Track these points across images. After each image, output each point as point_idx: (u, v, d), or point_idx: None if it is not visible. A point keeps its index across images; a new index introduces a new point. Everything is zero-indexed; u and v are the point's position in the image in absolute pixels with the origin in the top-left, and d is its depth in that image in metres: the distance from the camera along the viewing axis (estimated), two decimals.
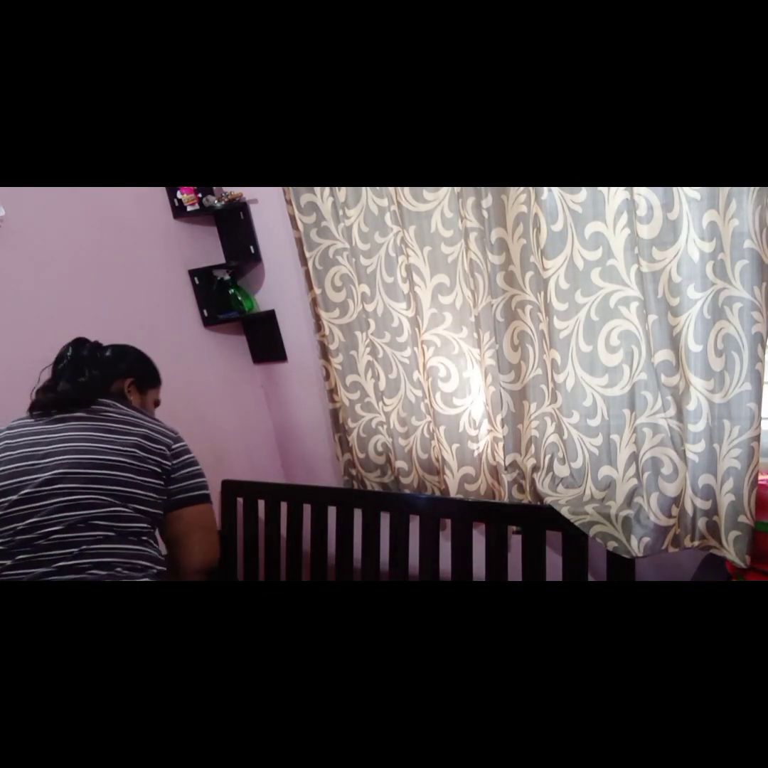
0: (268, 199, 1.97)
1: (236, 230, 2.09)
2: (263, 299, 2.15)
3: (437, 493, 1.86)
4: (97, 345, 1.38)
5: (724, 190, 1.18)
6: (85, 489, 1.11)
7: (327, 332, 1.93)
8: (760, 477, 1.30)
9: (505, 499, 1.69)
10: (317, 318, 1.94)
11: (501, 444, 1.66)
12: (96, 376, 1.29)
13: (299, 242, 1.87)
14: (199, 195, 2.00)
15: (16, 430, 1.22)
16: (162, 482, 1.21)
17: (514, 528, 1.66)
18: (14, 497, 1.10)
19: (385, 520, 1.83)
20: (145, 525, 1.17)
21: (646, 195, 1.25)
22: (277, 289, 2.10)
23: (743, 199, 1.15)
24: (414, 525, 1.77)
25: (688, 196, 1.22)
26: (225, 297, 2.12)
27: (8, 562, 1.06)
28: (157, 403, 1.48)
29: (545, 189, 1.41)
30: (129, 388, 1.35)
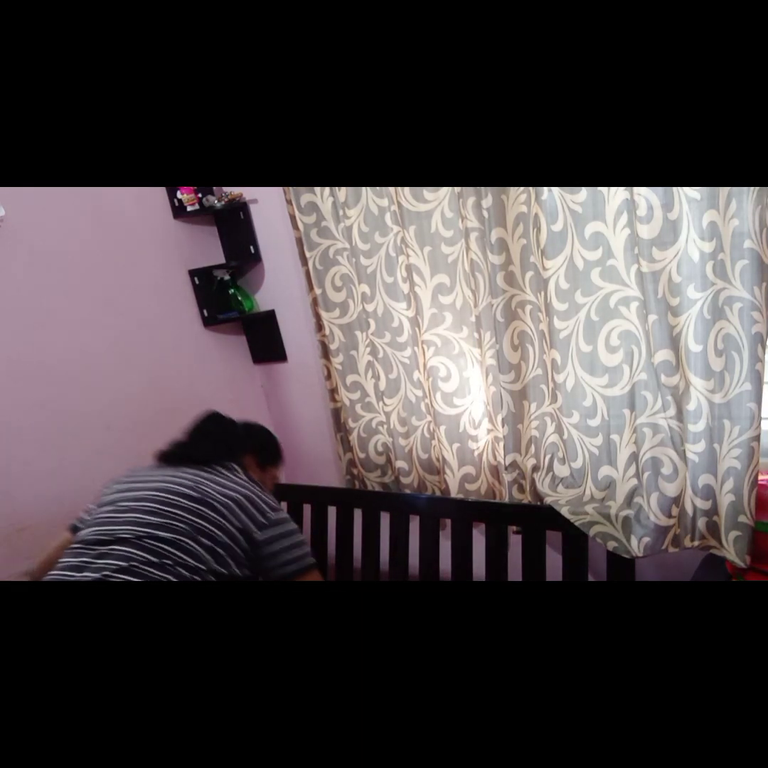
0: (268, 199, 1.97)
1: (236, 230, 2.09)
2: (263, 299, 2.15)
3: (437, 493, 1.86)
4: (230, 420, 1.44)
5: (724, 190, 1.18)
6: (162, 511, 1.14)
7: (327, 332, 1.93)
8: (760, 477, 1.30)
9: (505, 499, 1.69)
10: (317, 318, 1.94)
11: (501, 444, 1.66)
12: (220, 445, 1.34)
13: (299, 242, 1.87)
14: (199, 195, 2.00)
15: (134, 470, 1.33)
16: (247, 543, 1.17)
17: (514, 528, 1.66)
18: (109, 507, 1.20)
19: (385, 520, 1.83)
20: (205, 566, 1.11)
21: (646, 195, 1.25)
22: (277, 289, 2.10)
23: (743, 199, 1.15)
24: (414, 525, 1.77)
25: (688, 196, 1.22)
26: (225, 297, 2.12)
27: (74, 562, 1.10)
28: (275, 481, 1.52)
29: (545, 189, 1.41)
30: (251, 463, 1.40)
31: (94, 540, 1.13)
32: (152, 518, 1.13)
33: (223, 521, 1.15)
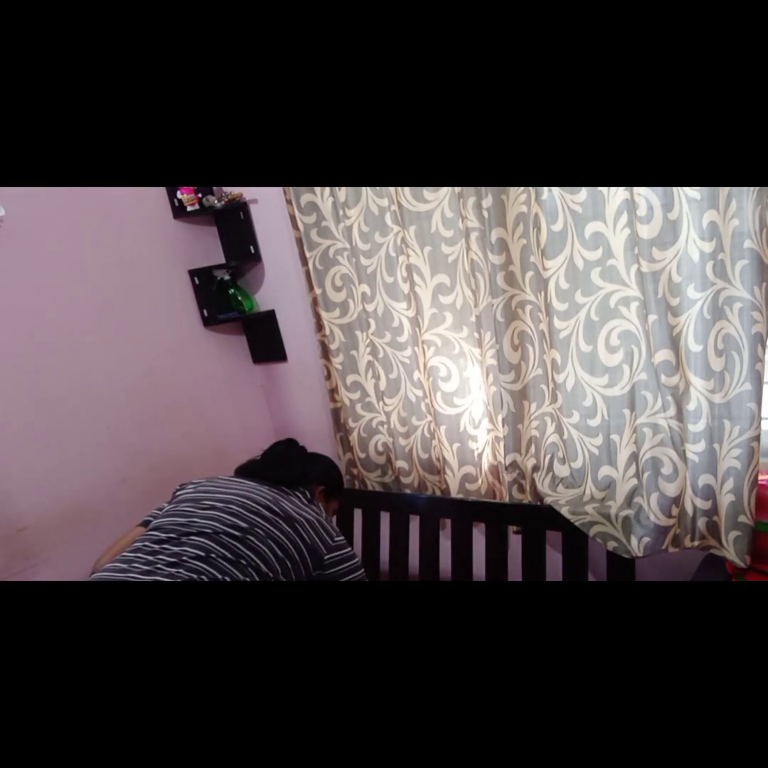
0: (268, 199, 1.97)
1: (236, 230, 2.08)
2: (263, 299, 2.15)
3: (437, 493, 1.86)
4: (303, 448, 1.54)
5: (724, 190, 1.18)
6: (243, 514, 1.21)
7: (327, 332, 1.93)
8: (760, 477, 1.30)
9: (505, 499, 1.69)
10: (318, 318, 1.94)
11: (501, 444, 1.66)
12: (297, 471, 1.41)
13: (299, 242, 1.87)
14: (199, 195, 2.00)
15: (214, 477, 1.39)
16: (312, 561, 1.25)
17: (514, 528, 1.66)
18: (189, 504, 1.26)
19: (385, 520, 1.83)
20: (273, 575, 1.16)
21: (646, 195, 1.25)
22: (277, 289, 2.10)
23: (743, 199, 1.15)
24: (414, 525, 1.77)
25: (688, 196, 1.22)
26: (225, 297, 2.12)
27: (153, 547, 1.16)
28: (335, 513, 1.58)
29: (545, 189, 1.41)
30: (319, 492, 1.45)
31: (174, 529, 1.18)
32: (233, 520, 1.19)
33: (297, 538, 1.23)
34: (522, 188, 1.44)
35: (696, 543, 1.40)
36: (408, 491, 1.88)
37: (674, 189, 1.23)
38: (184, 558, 1.10)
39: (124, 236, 1.90)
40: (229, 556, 1.13)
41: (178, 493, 1.35)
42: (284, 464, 1.42)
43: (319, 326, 1.94)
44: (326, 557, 1.27)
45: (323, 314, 1.91)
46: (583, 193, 1.36)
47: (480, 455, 1.77)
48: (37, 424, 1.69)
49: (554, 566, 1.54)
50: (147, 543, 1.17)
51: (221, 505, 1.23)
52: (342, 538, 1.33)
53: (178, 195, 2.00)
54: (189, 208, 2.00)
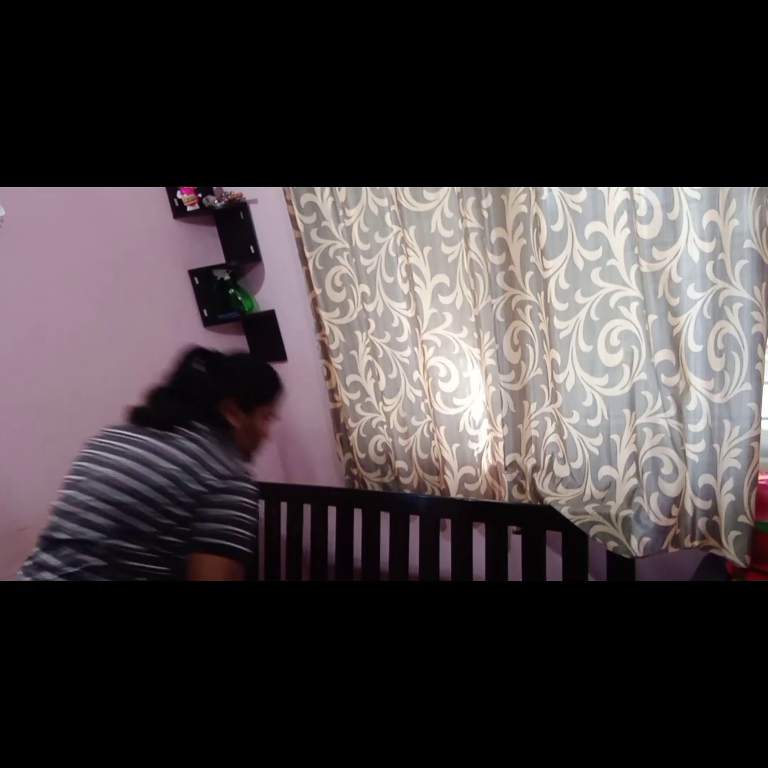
0: (268, 199, 1.97)
1: (236, 230, 2.08)
2: (263, 299, 2.15)
3: (437, 493, 1.86)
4: (213, 357, 1.25)
5: (724, 190, 1.18)
6: (95, 509, 1.06)
7: (327, 332, 1.93)
8: (760, 477, 1.30)
9: (505, 499, 1.69)
10: (317, 318, 1.94)
11: (501, 444, 1.66)
12: (192, 399, 1.19)
13: (299, 242, 1.87)
14: (199, 195, 2.00)
15: (106, 433, 1.21)
16: (178, 522, 1.06)
17: (514, 528, 1.66)
18: (65, 493, 1.12)
19: (385, 520, 1.83)
20: (143, 565, 1.05)
21: (646, 195, 1.25)
22: (277, 289, 2.10)
23: (743, 199, 1.15)
24: (414, 525, 1.77)
25: (688, 196, 1.22)
26: (225, 297, 2.12)
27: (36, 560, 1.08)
28: (271, 420, 1.33)
29: (545, 189, 1.41)
30: (233, 407, 1.22)
31: (50, 538, 1.09)
32: (97, 519, 1.06)
33: (156, 513, 1.05)
34: (522, 188, 1.44)
35: (696, 543, 1.40)
36: (408, 491, 1.88)
37: (674, 189, 1.23)
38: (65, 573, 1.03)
39: (124, 236, 1.90)
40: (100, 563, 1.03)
41: (73, 467, 1.17)
42: (170, 397, 1.20)
43: (319, 326, 1.94)
44: (197, 508, 1.06)
45: (323, 314, 1.91)
46: (583, 193, 1.36)
47: (480, 455, 1.77)
48: (37, 424, 1.68)
49: (554, 566, 1.54)
50: (36, 557, 1.08)
51: (86, 499, 1.08)
52: (234, 482, 1.10)
53: (178, 195, 2.00)
54: (189, 208, 2.00)
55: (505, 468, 1.66)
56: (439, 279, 1.66)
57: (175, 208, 2.02)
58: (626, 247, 1.33)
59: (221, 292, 2.12)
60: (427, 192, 1.60)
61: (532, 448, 1.65)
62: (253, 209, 2.03)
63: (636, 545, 1.39)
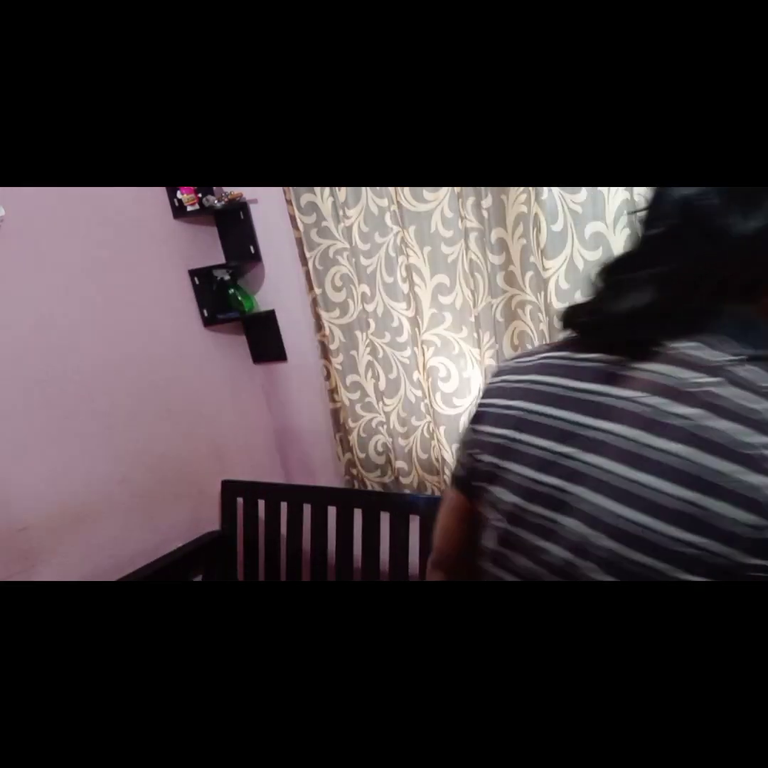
0: (268, 199, 1.97)
1: (236, 230, 2.09)
2: (263, 299, 2.15)
3: (437, 493, 1.86)
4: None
5: None
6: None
7: (327, 332, 1.93)
8: None
9: None
10: (317, 318, 1.94)
11: None
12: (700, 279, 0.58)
13: (299, 242, 1.87)
14: (199, 195, 2.00)
15: (539, 376, 0.68)
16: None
17: None
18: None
19: (385, 520, 1.83)
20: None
21: (646, 195, 1.25)
22: (277, 289, 2.10)
23: None
24: (414, 525, 1.77)
25: None
26: (225, 297, 2.12)
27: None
28: None
29: (545, 189, 1.41)
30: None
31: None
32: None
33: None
34: (522, 188, 1.44)
35: None
36: (408, 491, 1.88)
37: None
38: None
39: (124, 236, 1.90)
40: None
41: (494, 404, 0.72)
42: (670, 283, 0.61)
43: (319, 326, 1.94)
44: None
45: (323, 314, 1.91)
46: (583, 193, 1.36)
47: None
48: (37, 424, 1.69)
49: None
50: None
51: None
52: None
53: (178, 195, 2.00)
54: (189, 208, 2.00)
55: None
56: (438, 279, 1.66)
57: (175, 208, 2.02)
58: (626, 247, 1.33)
59: (221, 292, 2.13)
60: (427, 192, 1.60)
61: None
62: (253, 209, 2.03)
63: None
